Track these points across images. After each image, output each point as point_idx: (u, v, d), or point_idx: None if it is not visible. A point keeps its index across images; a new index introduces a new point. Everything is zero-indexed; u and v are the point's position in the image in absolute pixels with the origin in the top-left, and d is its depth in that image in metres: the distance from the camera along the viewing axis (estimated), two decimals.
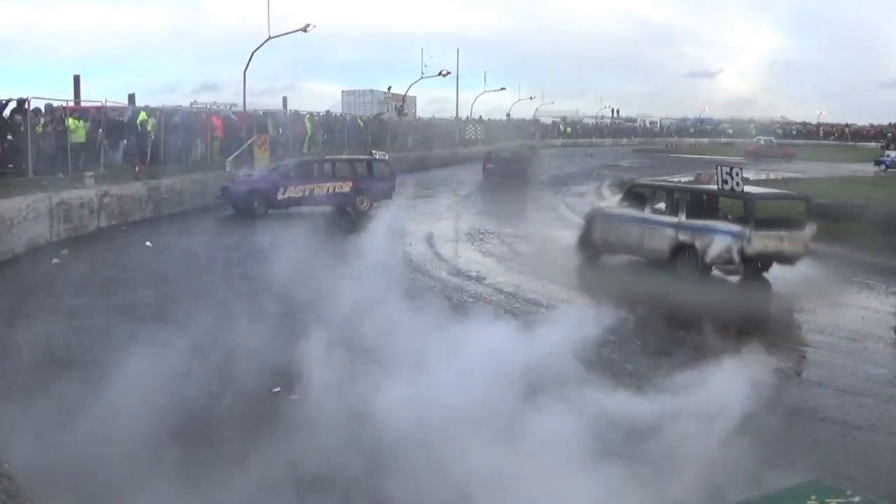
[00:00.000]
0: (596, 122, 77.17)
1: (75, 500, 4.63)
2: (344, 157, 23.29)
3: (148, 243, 14.02)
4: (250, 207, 18.51)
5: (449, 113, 54.09)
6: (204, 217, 18.41)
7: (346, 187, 19.24)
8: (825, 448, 5.80)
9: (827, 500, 3.43)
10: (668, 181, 17.84)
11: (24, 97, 16.84)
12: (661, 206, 12.38)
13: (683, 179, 16.32)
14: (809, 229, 11.44)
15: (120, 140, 20.20)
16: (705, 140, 74.31)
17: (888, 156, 40.81)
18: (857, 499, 3.51)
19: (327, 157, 22.68)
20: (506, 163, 29.53)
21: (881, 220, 14.18)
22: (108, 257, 13.02)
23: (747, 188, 11.81)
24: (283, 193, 18.88)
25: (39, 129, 17.04)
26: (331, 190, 19.37)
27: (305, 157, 22.20)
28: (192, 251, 13.25)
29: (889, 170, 37.23)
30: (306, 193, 19.05)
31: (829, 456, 5.64)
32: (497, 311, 9.27)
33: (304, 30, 28.16)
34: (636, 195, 13.11)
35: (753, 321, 9.60)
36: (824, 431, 6.13)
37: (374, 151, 24.03)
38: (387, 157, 21.78)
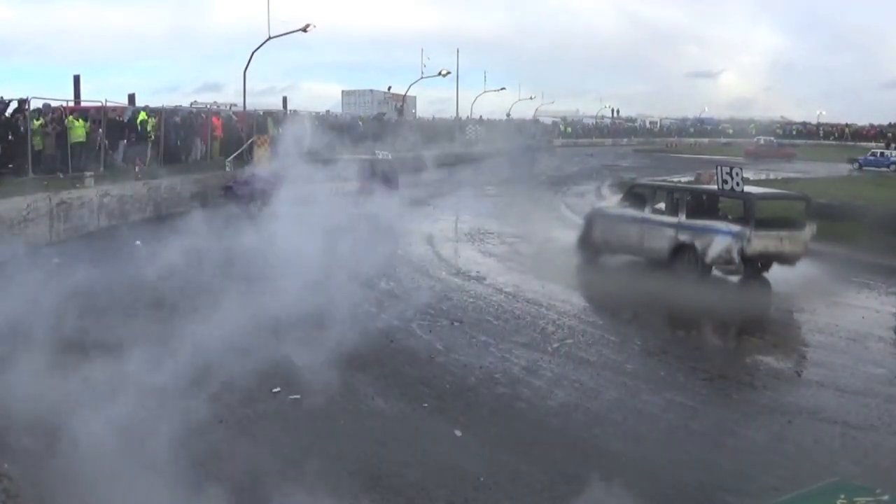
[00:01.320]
0: (596, 122, 77.11)
1: None
2: (348, 156, 23.27)
3: (138, 242, 14.03)
4: (253, 207, 18.57)
5: (449, 113, 54.07)
6: (206, 217, 18.38)
7: (350, 187, 19.23)
8: (825, 448, 5.80)
9: (856, 500, 3.43)
10: (669, 181, 17.83)
11: (24, 97, 16.89)
12: (661, 206, 12.38)
13: (684, 179, 16.32)
14: (809, 229, 11.44)
15: (120, 140, 20.21)
16: (705, 140, 74.29)
17: (887, 154, 41.58)
18: (885, 497, 3.51)
19: (330, 157, 22.67)
20: (521, 152, 35.77)
21: (881, 220, 14.17)
22: (109, 257, 12.99)
23: (747, 188, 11.81)
24: None
25: (36, 128, 17.01)
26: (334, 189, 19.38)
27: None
28: (192, 251, 13.22)
29: (864, 168, 38.47)
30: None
31: (829, 456, 5.64)
32: None
33: (304, 30, 28.08)
34: (636, 195, 13.11)
35: (753, 321, 9.60)
36: (824, 431, 6.12)
37: (377, 151, 24.06)
38: (390, 157, 21.78)
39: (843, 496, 3.51)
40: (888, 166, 38.86)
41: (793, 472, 5.32)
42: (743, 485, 5.12)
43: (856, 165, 39.43)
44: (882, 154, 41.69)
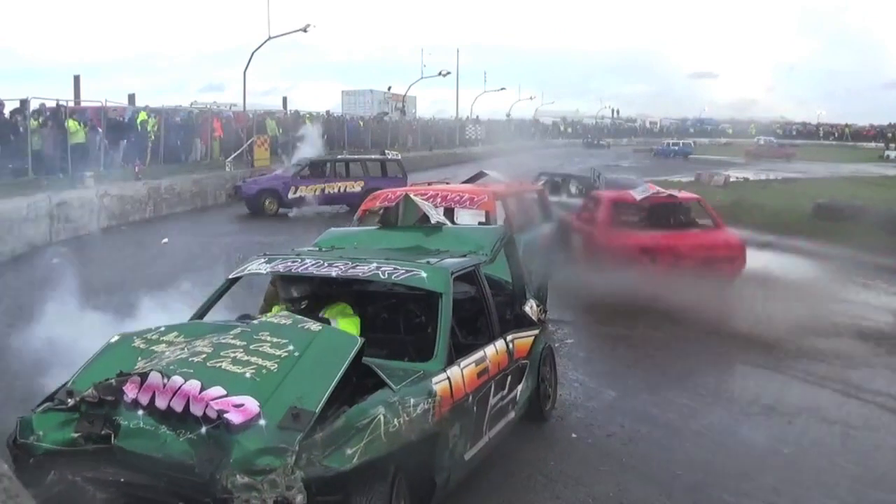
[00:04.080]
0: (596, 123, 77.24)
1: None
2: (356, 156, 23.35)
3: (165, 240, 14.20)
4: (262, 206, 18.71)
5: (449, 113, 54.15)
6: (209, 217, 18.47)
7: (358, 187, 19.30)
8: (825, 448, 5.80)
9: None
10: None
11: (25, 97, 16.91)
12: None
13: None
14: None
15: (120, 140, 20.24)
16: (705, 140, 74.35)
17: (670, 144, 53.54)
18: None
19: (339, 156, 22.77)
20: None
21: (881, 220, 14.17)
22: (109, 257, 13.01)
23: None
24: (294, 192, 19.02)
25: (35, 128, 17.01)
26: (342, 189, 19.48)
27: (318, 157, 22.22)
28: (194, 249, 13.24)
29: (657, 156, 48.12)
30: (317, 192, 19.21)
31: (829, 456, 5.64)
32: None
33: (304, 30, 28.12)
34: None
35: (753, 321, 9.57)
36: (824, 431, 6.12)
37: (386, 151, 24.19)
38: (399, 157, 21.88)
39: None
40: (670, 155, 49.00)
41: (793, 473, 5.33)
42: (743, 485, 5.12)
43: (652, 154, 49.48)
44: (669, 144, 54.14)
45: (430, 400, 4.02)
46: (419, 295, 5.09)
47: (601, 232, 10.46)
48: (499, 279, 6.14)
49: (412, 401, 3.89)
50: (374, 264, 4.88)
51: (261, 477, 3.21)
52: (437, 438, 4.09)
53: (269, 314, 4.78)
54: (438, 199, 8.66)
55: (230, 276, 5.18)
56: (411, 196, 6.39)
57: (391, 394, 3.84)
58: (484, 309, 5.28)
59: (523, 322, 5.89)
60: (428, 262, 5.02)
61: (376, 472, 3.58)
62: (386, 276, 4.77)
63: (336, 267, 4.86)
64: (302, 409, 3.43)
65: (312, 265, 4.93)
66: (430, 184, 10.54)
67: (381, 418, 3.62)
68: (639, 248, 9.73)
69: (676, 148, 52.60)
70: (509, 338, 5.35)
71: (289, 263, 5.03)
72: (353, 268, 4.84)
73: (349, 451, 3.42)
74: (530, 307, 6.18)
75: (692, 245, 10.08)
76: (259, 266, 5.14)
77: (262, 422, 3.36)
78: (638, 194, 10.78)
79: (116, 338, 4.20)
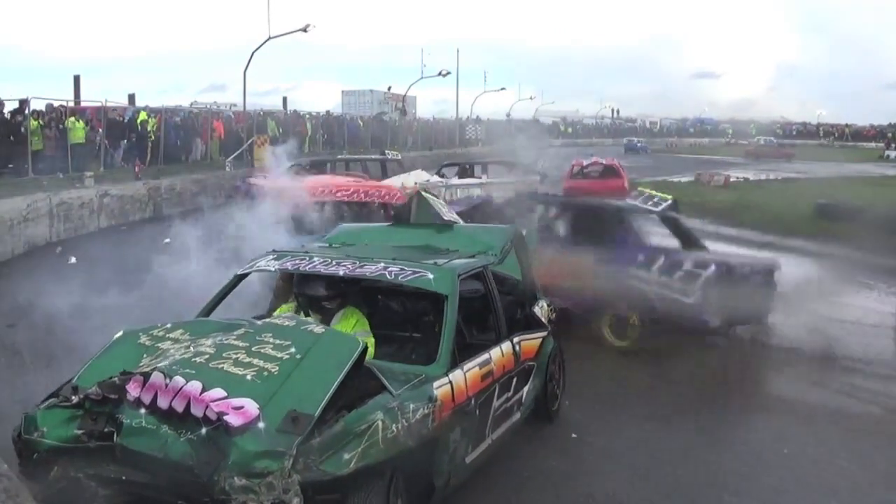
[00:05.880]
0: (596, 123, 77.13)
1: None
2: (357, 156, 23.29)
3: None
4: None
5: (449, 113, 54.08)
6: (209, 216, 18.41)
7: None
8: (825, 448, 5.80)
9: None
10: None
11: (25, 97, 16.89)
12: None
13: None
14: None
15: (120, 140, 20.22)
16: (705, 140, 74.32)
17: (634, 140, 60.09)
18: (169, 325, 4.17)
19: (339, 156, 22.72)
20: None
21: (881, 221, 14.14)
22: (109, 256, 12.98)
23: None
24: None
25: (35, 128, 17.00)
26: None
27: (318, 157, 22.15)
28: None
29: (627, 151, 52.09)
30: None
31: (829, 456, 5.64)
32: None
33: (304, 30, 28.06)
34: None
35: (752, 321, 9.57)
36: (825, 431, 6.13)
37: (386, 151, 24.13)
38: (399, 157, 21.84)
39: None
40: (626, 150, 54.76)
41: (793, 473, 5.33)
42: (743, 485, 5.12)
43: (622, 150, 54.56)
44: (631, 141, 62.94)
45: (430, 405, 4.02)
46: (426, 293, 5.09)
47: (563, 181, 19.64)
48: (508, 275, 6.08)
49: (412, 406, 3.88)
50: (382, 264, 4.88)
51: (258, 480, 3.21)
52: (437, 443, 4.09)
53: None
54: (361, 194, 10.73)
55: (238, 273, 5.16)
56: (424, 194, 6.36)
57: (391, 399, 3.83)
58: (491, 310, 5.28)
59: (532, 323, 5.87)
60: (435, 263, 5.00)
61: (373, 475, 3.58)
62: (392, 276, 4.76)
63: (343, 266, 4.84)
64: (301, 412, 3.42)
65: (320, 263, 4.92)
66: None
67: (380, 424, 3.61)
68: (570, 188, 18.48)
69: (640, 145, 62.52)
70: (516, 339, 5.33)
71: (297, 261, 5.02)
72: (361, 267, 4.84)
73: (346, 457, 3.42)
74: (540, 308, 6.16)
75: (598, 186, 18.20)
76: (268, 263, 5.12)
77: (261, 424, 3.36)
78: (585, 161, 21.42)
79: (121, 334, 4.20)
